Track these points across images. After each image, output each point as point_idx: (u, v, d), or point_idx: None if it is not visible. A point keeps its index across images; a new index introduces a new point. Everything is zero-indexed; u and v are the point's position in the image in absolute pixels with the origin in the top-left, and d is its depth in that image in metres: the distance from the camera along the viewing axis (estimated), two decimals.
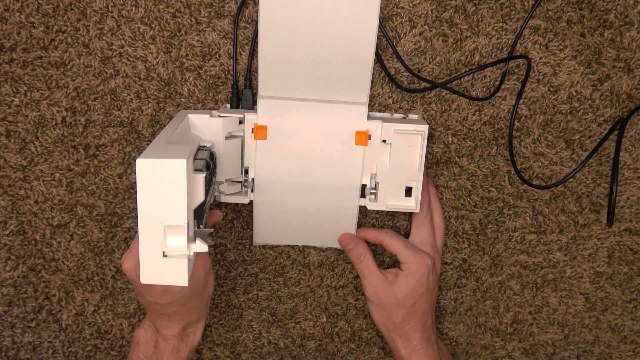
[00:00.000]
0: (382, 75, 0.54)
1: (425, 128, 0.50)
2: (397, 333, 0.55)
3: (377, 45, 0.51)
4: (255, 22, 0.52)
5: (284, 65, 0.48)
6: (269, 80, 0.49)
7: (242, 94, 0.54)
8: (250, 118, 0.50)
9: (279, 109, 0.50)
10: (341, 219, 0.55)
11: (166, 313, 0.51)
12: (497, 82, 0.54)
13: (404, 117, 0.55)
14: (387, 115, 0.55)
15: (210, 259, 0.52)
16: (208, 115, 0.48)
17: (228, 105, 0.54)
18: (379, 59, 0.52)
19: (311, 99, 0.50)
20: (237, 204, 0.58)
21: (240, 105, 0.54)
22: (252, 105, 0.53)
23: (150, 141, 0.56)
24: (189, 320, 0.52)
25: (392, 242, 0.54)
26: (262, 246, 0.60)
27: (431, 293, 0.55)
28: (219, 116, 0.49)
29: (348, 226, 0.55)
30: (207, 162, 0.43)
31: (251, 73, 0.53)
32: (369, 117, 0.52)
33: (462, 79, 0.54)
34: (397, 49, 0.53)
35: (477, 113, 0.55)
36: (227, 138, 0.49)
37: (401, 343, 0.55)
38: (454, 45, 0.53)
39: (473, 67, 0.54)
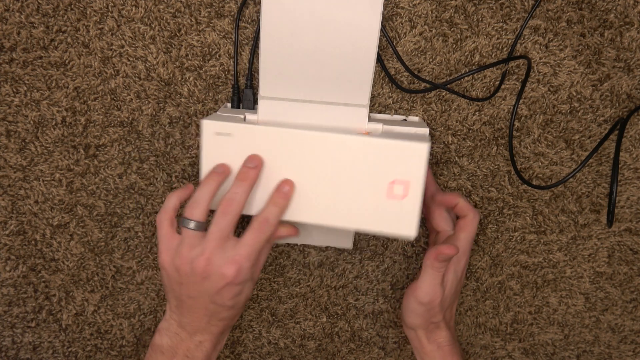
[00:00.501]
0: (382, 76, 0.54)
1: (425, 131, 0.50)
2: (429, 329, 0.54)
3: (378, 45, 0.51)
4: (255, 22, 0.52)
5: (285, 66, 0.48)
6: (270, 81, 0.49)
7: (242, 93, 0.54)
8: (251, 118, 0.50)
9: (279, 110, 0.50)
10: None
11: (219, 317, 0.49)
12: (497, 82, 0.54)
13: (405, 119, 0.55)
14: (387, 116, 0.55)
15: None
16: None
17: (229, 105, 0.54)
18: (379, 59, 0.52)
19: (312, 100, 0.50)
20: None
21: (241, 105, 0.54)
22: (252, 105, 0.53)
23: (151, 141, 0.56)
24: (230, 325, 0.51)
25: (470, 228, 0.52)
26: None
27: (461, 275, 0.54)
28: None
29: (345, 233, 0.56)
30: None
31: (252, 73, 0.53)
32: (370, 119, 0.52)
33: (462, 79, 0.54)
34: (397, 49, 0.53)
35: (477, 113, 0.55)
36: None
37: (426, 338, 0.54)
38: (454, 45, 0.53)
39: (473, 67, 0.54)
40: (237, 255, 0.45)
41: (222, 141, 0.47)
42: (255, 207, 0.49)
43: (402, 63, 0.52)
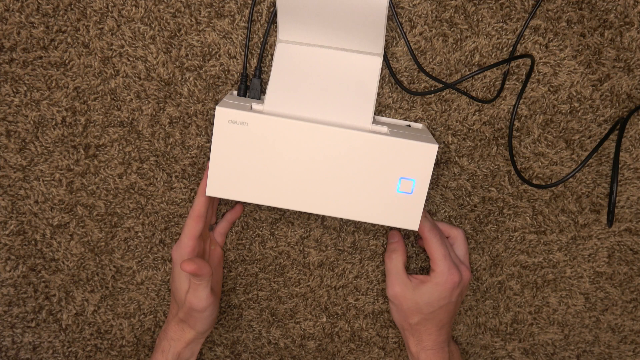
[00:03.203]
0: (381, 75, 0.54)
1: (431, 138, 0.50)
2: (410, 332, 0.56)
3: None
4: (255, 22, 0.52)
5: (302, 9, 0.48)
6: (287, 25, 0.48)
7: (250, 82, 0.53)
8: (257, 108, 0.50)
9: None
10: None
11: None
12: (497, 82, 0.54)
13: (408, 125, 0.55)
14: (391, 120, 0.55)
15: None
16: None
17: (235, 92, 0.54)
18: (385, 58, 0.52)
19: (328, 46, 0.50)
20: (236, 204, 0.58)
21: (248, 94, 0.54)
22: (259, 95, 0.53)
23: (151, 141, 0.56)
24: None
25: (435, 246, 0.54)
26: (262, 245, 0.60)
27: (453, 305, 0.56)
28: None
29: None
30: None
31: (261, 65, 0.53)
32: (374, 121, 0.52)
33: (465, 79, 0.54)
34: (397, 49, 0.53)
35: (477, 113, 0.55)
36: None
37: (412, 341, 0.56)
38: (454, 45, 0.53)
39: (473, 67, 0.54)
40: None
41: (234, 129, 0.48)
42: (268, 197, 0.50)
43: (415, 61, 0.52)
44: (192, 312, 0.53)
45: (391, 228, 0.60)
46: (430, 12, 0.52)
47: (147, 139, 0.56)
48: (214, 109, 0.55)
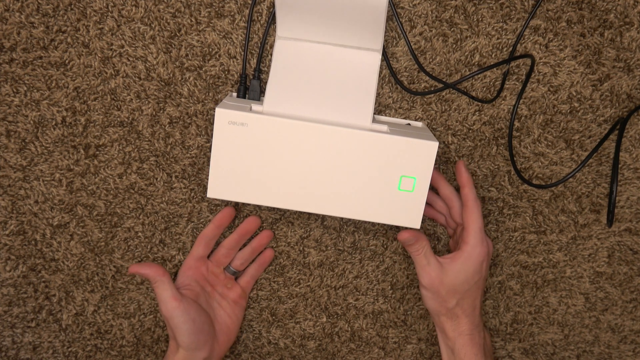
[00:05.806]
0: (381, 75, 0.54)
1: (431, 136, 0.51)
2: (448, 316, 0.54)
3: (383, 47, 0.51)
4: (255, 22, 0.52)
5: (301, 4, 0.48)
6: (286, 22, 0.49)
7: (249, 84, 0.53)
8: (257, 109, 0.50)
9: (293, 53, 0.50)
10: None
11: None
12: (497, 82, 0.55)
13: (408, 124, 0.55)
14: (391, 119, 0.55)
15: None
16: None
17: (234, 94, 0.54)
18: (385, 57, 0.52)
19: (327, 42, 0.50)
20: (237, 204, 0.58)
21: (247, 96, 0.54)
22: (258, 97, 0.53)
23: (151, 141, 0.56)
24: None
25: (475, 217, 0.53)
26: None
27: (484, 280, 0.55)
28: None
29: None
30: None
31: (260, 66, 0.53)
32: (374, 120, 0.51)
33: (467, 79, 0.54)
34: (397, 49, 0.53)
35: (477, 113, 0.55)
36: None
37: (450, 326, 0.55)
38: (454, 45, 0.53)
39: (473, 67, 0.54)
40: None
41: (234, 130, 0.48)
42: (269, 197, 0.50)
43: (416, 60, 0.52)
44: (166, 322, 0.53)
45: (396, 229, 0.60)
46: (430, 12, 0.52)
47: (147, 139, 0.56)
48: (214, 109, 0.55)
